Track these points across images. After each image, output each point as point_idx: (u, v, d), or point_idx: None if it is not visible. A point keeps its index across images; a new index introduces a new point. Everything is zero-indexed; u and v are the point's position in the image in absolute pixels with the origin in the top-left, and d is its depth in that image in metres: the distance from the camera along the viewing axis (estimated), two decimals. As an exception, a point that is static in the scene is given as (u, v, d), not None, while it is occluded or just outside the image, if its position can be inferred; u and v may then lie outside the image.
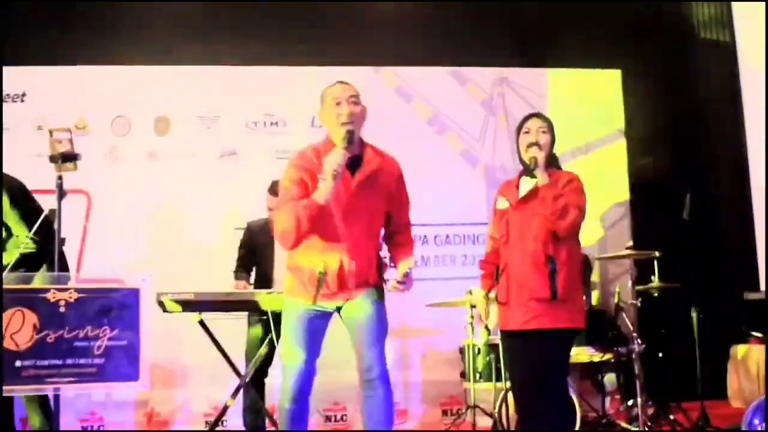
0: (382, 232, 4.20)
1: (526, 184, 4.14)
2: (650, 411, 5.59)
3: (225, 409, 5.29)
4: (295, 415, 4.12)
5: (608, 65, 7.42)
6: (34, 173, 5.80)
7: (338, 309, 4.07)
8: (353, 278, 4.01)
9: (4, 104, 6.72)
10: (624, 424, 5.52)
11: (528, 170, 4.11)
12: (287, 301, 4.15)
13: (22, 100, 6.80)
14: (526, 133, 4.16)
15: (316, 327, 4.07)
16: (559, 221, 3.93)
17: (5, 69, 6.68)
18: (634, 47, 7.35)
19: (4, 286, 3.70)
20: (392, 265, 4.22)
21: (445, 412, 6.75)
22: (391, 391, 4.05)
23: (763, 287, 6.57)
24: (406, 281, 4.01)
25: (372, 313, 4.03)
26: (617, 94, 7.39)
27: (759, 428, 3.07)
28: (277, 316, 5.23)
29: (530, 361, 4.01)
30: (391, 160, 4.15)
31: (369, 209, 4.04)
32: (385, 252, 4.21)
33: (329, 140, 3.98)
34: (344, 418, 6.77)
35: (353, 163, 3.96)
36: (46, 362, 3.74)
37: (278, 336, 5.39)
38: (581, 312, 4.09)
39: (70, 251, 6.37)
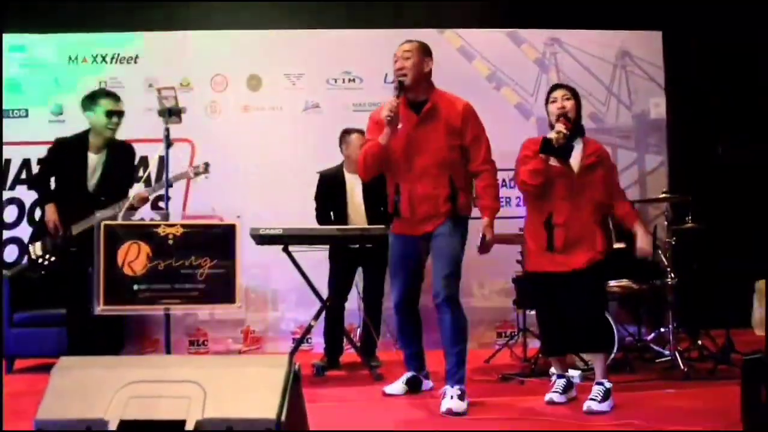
0: (463, 167, 4.25)
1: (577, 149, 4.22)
2: (681, 337, 5.53)
3: (309, 328, 5.44)
4: (399, 329, 4.54)
5: (650, 27, 7.24)
6: (145, 125, 6.08)
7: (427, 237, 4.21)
8: (422, 205, 4.14)
9: (121, 65, 6.90)
10: (656, 348, 5.51)
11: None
12: (389, 232, 4.42)
13: (135, 62, 6.94)
14: (553, 102, 4.23)
15: (408, 252, 4.25)
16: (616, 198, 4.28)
17: (121, 35, 6.90)
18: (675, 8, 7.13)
19: (122, 222, 3.90)
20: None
21: (499, 334, 6.80)
22: (458, 315, 4.17)
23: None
24: (481, 248, 4.25)
25: (441, 244, 4.16)
26: (658, 54, 7.21)
27: None
28: (356, 250, 5.46)
29: (591, 289, 4.18)
30: (458, 100, 4.27)
31: (433, 141, 4.15)
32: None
33: None
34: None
35: (419, 105, 4.18)
36: (157, 286, 3.95)
37: (363, 266, 5.66)
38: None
39: (177, 192, 6.63)
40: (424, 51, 4.22)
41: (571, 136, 4.15)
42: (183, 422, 2.43)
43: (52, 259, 4.67)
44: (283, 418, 2.44)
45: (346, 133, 5.76)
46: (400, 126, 4.10)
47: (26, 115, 6.86)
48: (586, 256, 4.14)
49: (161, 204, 6.60)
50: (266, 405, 2.46)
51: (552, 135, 4.08)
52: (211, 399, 2.49)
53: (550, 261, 4.21)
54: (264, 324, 6.83)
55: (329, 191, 5.74)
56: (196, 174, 4.90)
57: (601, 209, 4.24)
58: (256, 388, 2.50)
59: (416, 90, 4.17)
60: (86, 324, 4.67)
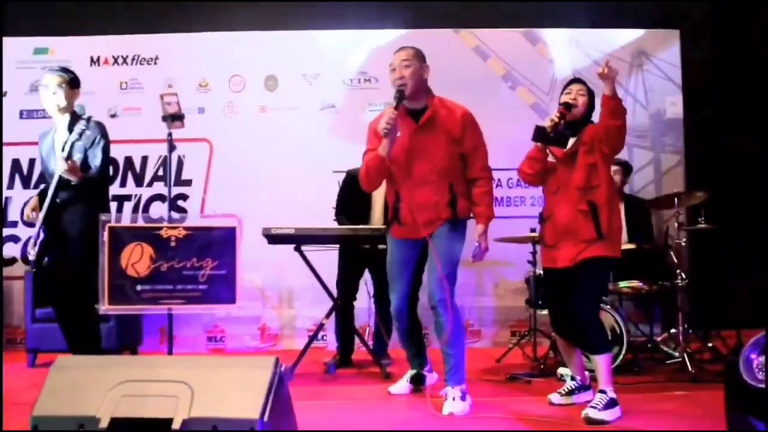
0: (462, 174, 4.24)
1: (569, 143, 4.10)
2: (692, 338, 5.50)
3: (321, 326, 5.49)
4: (400, 332, 4.51)
5: (667, 26, 7.20)
6: (165, 126, 6.19)
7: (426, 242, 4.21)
8: (422, 212, 4.16)
9: (141, 66, 7.05)
10: (667, 349, 5.52)
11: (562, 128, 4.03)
12: (387, 236, 4.42)
13: (155, 63, 7.10)
14: (567, 94, 4.14)
15: (408, 256, 4.30)
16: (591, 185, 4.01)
17: (142, 36, 7.05)
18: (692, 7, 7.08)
19: (126, 225, 4.00)
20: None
21: (513, 333, 6.81)
22: (453, 317, 4.15)
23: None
24: (475, 257, 4.23)
25: (440, 245, 4.16)
26: (675, 53, 7.18)
27: (755, 362, 3.01)
28: (366, 251, 5.52)
29: (579, 286, 4.03)
30: (457, 107, 4.26)
31: (432, 149, 4.16)
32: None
33: None
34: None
35: (419, 113, 4.19)
36: (160, 287, 4.05)
37: (372, 267, 5.70)
38: (618, 243, 4.14)
39: (196, 192, 6.79)
40: (421, 57, 4.21)
41: (574, 128, 4.09)
42: (170, 420, 2.52)
43: (37, 251, 4.33)
44: (266, 418, 2.52)
45: None
46: (398, 134, 4.13)
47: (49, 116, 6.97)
48: (572, 252, 4.04)
49: (179, 203, 6.82)
50: (250, 405, 2.54)
51: (546, 122, 4.03)
52: (198, 398, 2.58)
53: (546, 256, 4.24)
54: (280, 321, 6.95)
55: (354, 190, 5.75)
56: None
57: (584, 195, 4.03)
58: (242, 388, 2.59)
59: (415, 97, 4.17)
60: (82, 319, 4.37)
